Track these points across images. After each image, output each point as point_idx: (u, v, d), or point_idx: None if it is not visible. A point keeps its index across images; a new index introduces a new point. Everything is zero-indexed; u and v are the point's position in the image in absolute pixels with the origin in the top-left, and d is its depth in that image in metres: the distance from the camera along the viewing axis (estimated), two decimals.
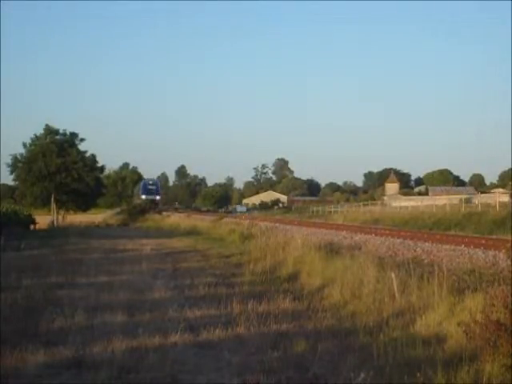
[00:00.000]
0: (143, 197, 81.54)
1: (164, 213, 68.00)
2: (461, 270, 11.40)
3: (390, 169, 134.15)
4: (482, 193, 68.23)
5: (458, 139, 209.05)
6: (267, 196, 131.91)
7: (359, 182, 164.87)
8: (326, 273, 13.27)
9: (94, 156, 62.38)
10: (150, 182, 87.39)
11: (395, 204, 63.22)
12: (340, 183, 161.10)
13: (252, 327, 8.95)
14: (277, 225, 29.46)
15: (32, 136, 60.01)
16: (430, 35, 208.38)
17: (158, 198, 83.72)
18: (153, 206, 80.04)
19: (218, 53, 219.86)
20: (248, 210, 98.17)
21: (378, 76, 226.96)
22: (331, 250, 16.15)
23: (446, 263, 11.61)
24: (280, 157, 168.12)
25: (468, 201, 49.71)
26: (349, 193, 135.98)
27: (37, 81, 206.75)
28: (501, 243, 13.78)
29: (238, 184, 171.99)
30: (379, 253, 15.08)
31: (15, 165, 59.09)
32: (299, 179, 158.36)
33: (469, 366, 6.48)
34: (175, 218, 49.87)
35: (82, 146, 61.41)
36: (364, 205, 61.99)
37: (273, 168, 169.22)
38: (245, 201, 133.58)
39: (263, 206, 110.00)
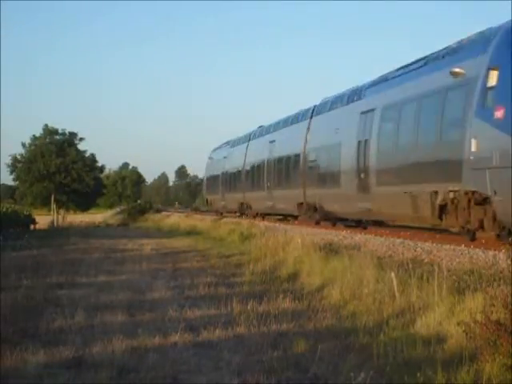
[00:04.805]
0: None
1: (164, 213, 67.20)
2: (461, 270, 11.37)
3: None
4: None
5: None
6: None
7: None
8: (326, 273, 13.25)
9: (93, 156, 62.43)
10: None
11: None
12: None
13: (252, 327, 8.94)
14: (277, 225, 29.41)
15: (31, 136, 60.30)
16: (429, 34, 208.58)
17: None
18: None
19: (217, 53, 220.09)
20: None
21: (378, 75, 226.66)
22: (331, 250, 16.11)
23: (445, 263, 11.58)
24: None
25: None
26: None
27: (36, 81, 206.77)
28: (501, 243, 13.74)
29: None
30: (379, 253, 15.04)
31: (15, 165, 59.18)
32: None
33: (469, 366, 6.47)
34: (175, 218, 49.70)
35: (81, 146, 61.57)
36: None
37: None
38: None
39: None
